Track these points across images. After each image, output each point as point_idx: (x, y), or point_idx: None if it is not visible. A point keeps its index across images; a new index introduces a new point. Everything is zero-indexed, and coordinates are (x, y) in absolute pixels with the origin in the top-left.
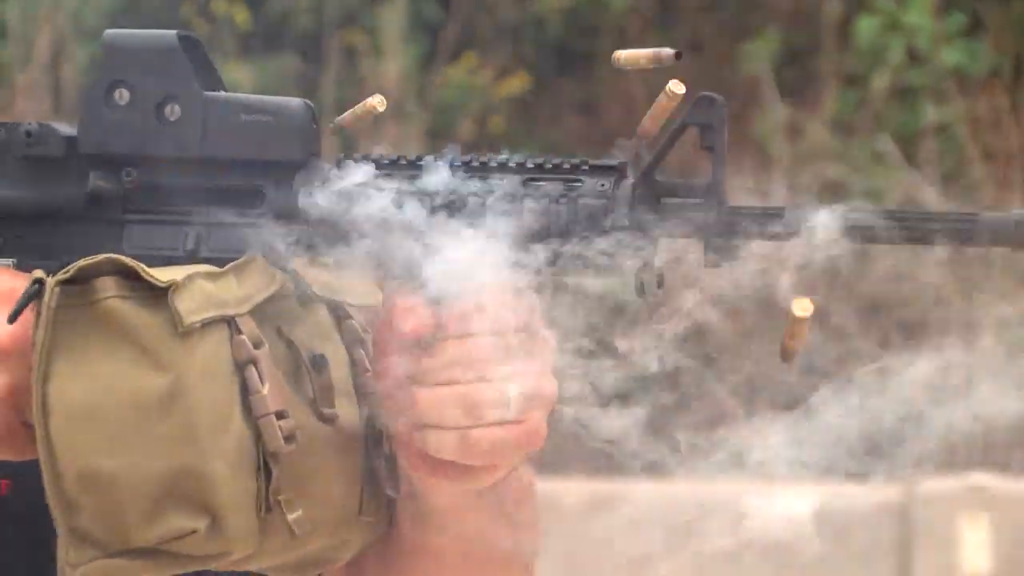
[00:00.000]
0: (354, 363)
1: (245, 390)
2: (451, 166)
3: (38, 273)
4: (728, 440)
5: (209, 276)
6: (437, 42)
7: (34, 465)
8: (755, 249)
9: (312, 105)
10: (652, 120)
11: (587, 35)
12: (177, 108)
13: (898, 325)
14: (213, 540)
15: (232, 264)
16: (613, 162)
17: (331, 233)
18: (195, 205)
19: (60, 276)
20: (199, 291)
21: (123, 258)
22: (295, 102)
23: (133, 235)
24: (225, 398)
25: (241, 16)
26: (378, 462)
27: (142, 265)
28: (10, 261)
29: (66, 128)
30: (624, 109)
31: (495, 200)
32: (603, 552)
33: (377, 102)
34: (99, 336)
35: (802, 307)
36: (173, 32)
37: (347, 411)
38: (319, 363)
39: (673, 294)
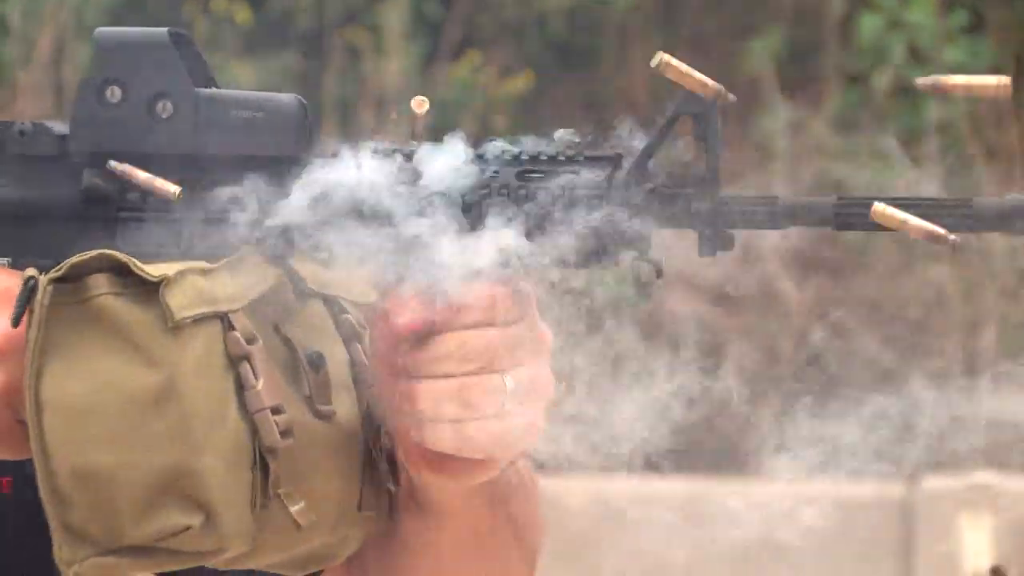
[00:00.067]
0: (351, 358)
1: (240, 386)
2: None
3: (31, 271)
4: (730, 438)
5: (202, 272)
6: (439, 40)
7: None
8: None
9: (304, 100)
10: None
11: (589, 33)
12: (169, 105)
13: (900, 323)
14: (207, 536)
15: (226, 260)
16: (609, 153)
17: (325, 226)
18: (188, 202)
19: (52, 274)
20: (191, 287)
21: (115, 253)
22: (287, 98)
23: (127, 233)
24: (219, 394)
25: (242, 14)
26: (377, 457)
27: (134, 260)
28: (5, 260)
29: (59, 127)
30: (627, 107)
31: (489, 192)
32: (607, 551)
33: (416, 105)
34: (92, 333)
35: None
36: (164, 29)
37: (345, 407)
38: (316, 360)
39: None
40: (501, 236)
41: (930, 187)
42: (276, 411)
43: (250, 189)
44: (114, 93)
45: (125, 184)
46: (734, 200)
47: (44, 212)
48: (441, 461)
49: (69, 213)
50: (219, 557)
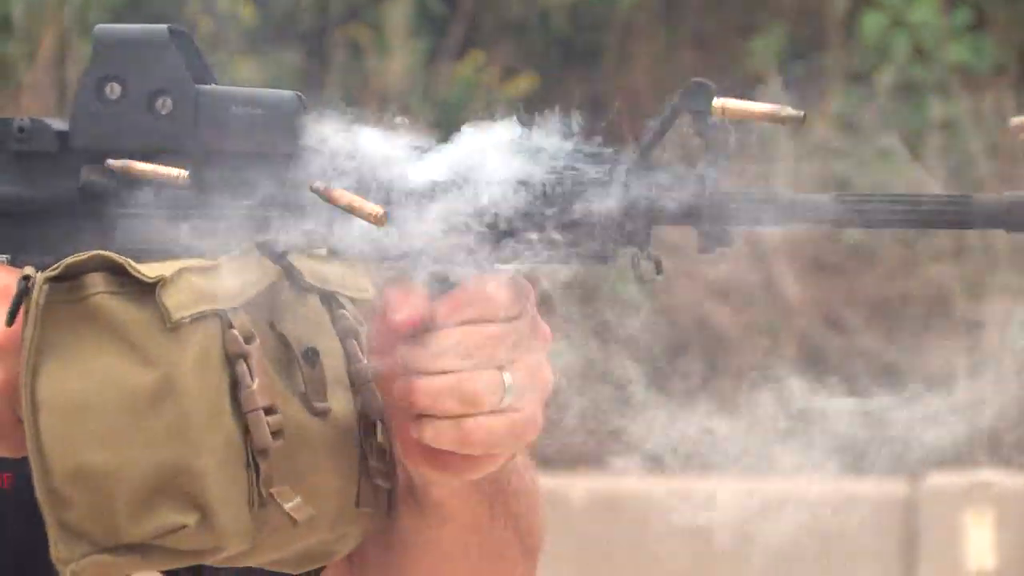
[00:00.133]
0: (347, 354)
1: (235, 384)
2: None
3: (28, 270)
4: (733, 436)
5: (200, 270)
6: (442, 38)
7: None
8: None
9: (304, 97)
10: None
11: (593, 31)
12: (169, 101)
13: (902, 320)
14: (204, 535)
15: (225, 257)
16: (609, 149)
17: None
18: (188, 199)
19: (48, 273)
20: (188, 286)
21: (111, 254)
22: (286, 94)
23: (127, 230)
24: (215, 393)
25: (246, 12)
26: (368, 453)
27: (130, 261)
28: (4, 257)
29: (58, 123)
30: (630, 104)
31: (491, 187)
32: (610, 550)
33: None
34: (88, 332)
35: None
36: (164, 26)
37: (341, 403)
38: (311, 357)
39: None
40: (500, 231)
41: (933, 185)
42: (269, 411)
43: (250, 186)
44: (113, 90)
45: (128, 180)
46: (734, 197)
47: (43, 209)
48: (440, 457)
49: (68, 210)
50: (217, 556)
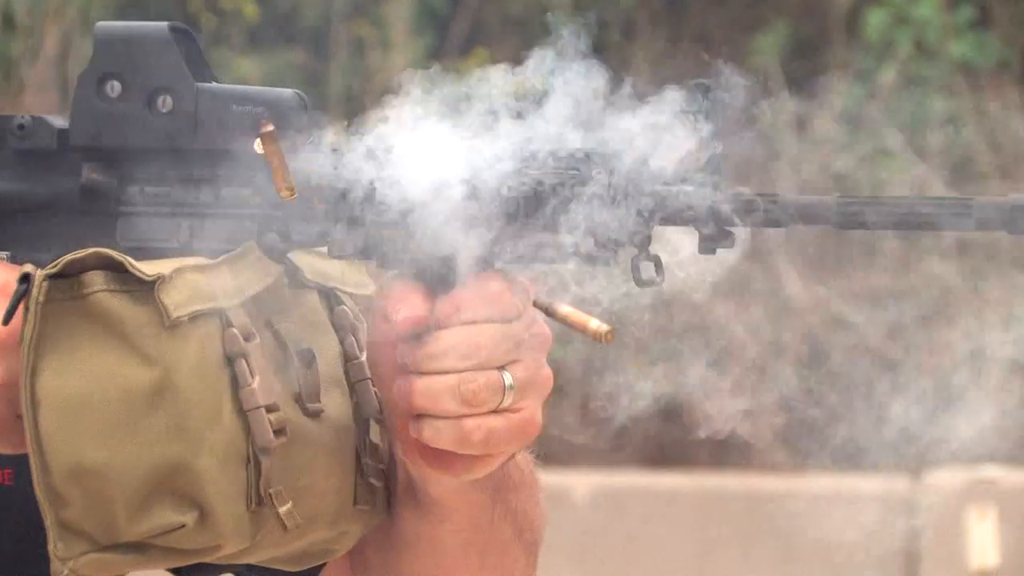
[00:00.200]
0: (344, 352)
1: (235, 383)
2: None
3: (27, 268)
4: (734, 432)
5: (200, 268)
6: (445, 34)
7: None
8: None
9: (304, 95)
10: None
11: (595, 28)
12: (169, 100)
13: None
14: (202, 534)
15: (226, 255)
16: (609, 149)
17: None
18: (188, 197)
19: (48, 270)
20: (187, 284)
21: (110, 252)
22: (287, 92)
23: (127, 227)
24: (215, 392)
25: (249, 9)
26: (362, 452)
27: (129, 259)
28: (4, 254)
29: (59, 121)
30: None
31: (491, 187)
32: (612, 545)
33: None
34: (87, 330)
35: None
36: (164, 24)
37: (337, 402)
38: (307, 357)
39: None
40: (500, 231)
41: (936, 182)
42: (270, 409)
43: (250, 184)
44: (114, 87)
45: (124, 178)
46: (735, 198)
47: (43, 206)
48: (440, 457)
49: (68, 207)
50: (216, 554)
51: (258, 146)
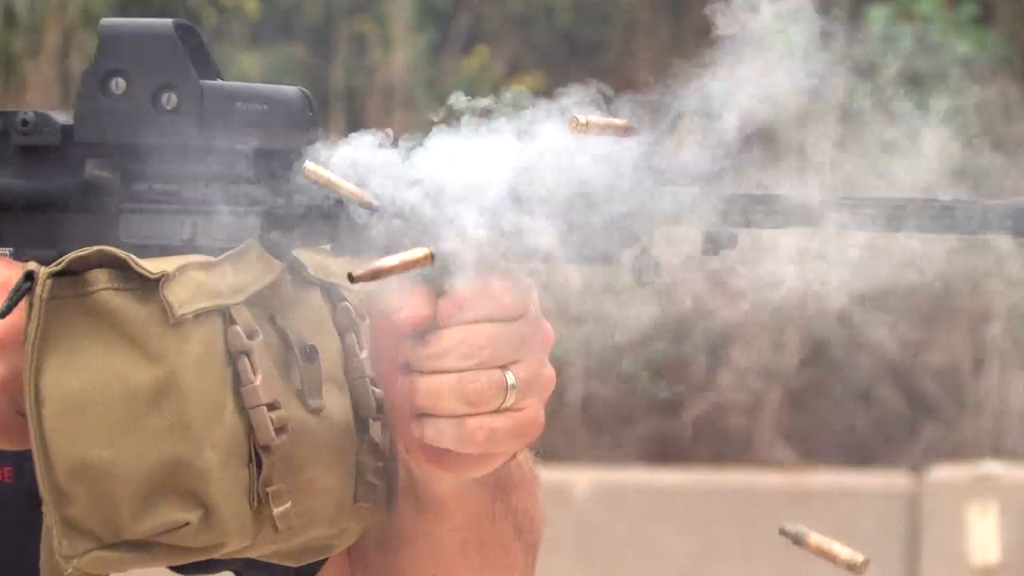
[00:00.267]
0: (345, 349)
1: (237, 381)
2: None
3: (31, 265)
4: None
5: (203, 266)
6: (447, 31)
7: None
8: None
9: (308, 93)
10: None
11: (597, 24)
12: (174, 97)
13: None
14: (206, 532)
15: (229, 253)
16: (612, 148)
17: (328, 218)
18: (192, 194)
19: (52, 268)
20: (191, 282)
21: (114, 250)
22: (291, 90)
23: (130, 224)
24: (218, 389)
25: (250, 5)
26: (361, 449)
27: (133, 256)
28: (7, 250)
29: (63, 117)
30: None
31: (490, 186)
32: (612, 541)
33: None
34: (91, 328)
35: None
36: (169, 21)
37: (337, 400)
38: (309, 354)
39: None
40: (502, 230)
41: (938, 179)
42: (272, 407)
43: (256, 182)
44: (118, 84)
45: (127, 174)
46: (737, 199)
47: (46, 203)
48: (441, 456)
49: (72, 204)
50: (219, 552)
51: (310, 173)
